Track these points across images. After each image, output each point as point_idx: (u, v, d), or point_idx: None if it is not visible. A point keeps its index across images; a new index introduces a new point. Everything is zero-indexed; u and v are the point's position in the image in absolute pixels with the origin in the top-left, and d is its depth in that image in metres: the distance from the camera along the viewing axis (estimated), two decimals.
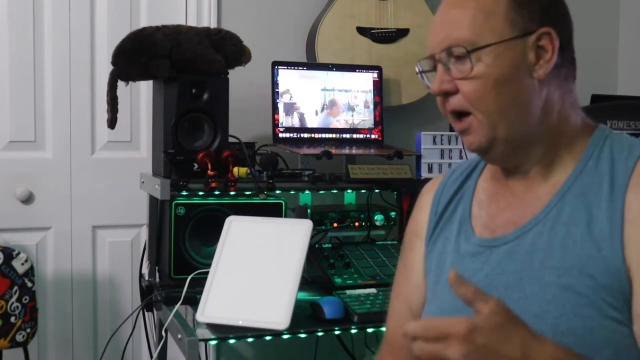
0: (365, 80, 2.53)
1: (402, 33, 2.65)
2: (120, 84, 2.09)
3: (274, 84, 2.39)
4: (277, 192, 2.12)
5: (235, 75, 2.21)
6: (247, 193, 2.09)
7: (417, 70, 1.16)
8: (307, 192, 2.27)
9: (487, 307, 0.91)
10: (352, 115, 2.50)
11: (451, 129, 2.57)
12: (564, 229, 1.04)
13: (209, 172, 2.02)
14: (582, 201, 1.05)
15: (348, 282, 2.02)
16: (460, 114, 1.09)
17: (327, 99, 2.47)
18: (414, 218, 1.30)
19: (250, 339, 1.81)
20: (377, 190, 2.29)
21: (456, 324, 0.89)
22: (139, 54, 2.04)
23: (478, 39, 1.05)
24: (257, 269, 1.78)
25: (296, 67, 2.44)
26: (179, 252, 2.02)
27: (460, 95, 1.07)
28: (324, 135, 2.45)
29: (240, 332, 1.72)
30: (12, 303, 2.09)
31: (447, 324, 0.89)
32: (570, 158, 1.09)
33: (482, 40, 1.05)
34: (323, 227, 2.20)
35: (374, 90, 2.54)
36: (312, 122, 2.44)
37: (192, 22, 2.56)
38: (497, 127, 1.06)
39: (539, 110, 1.08)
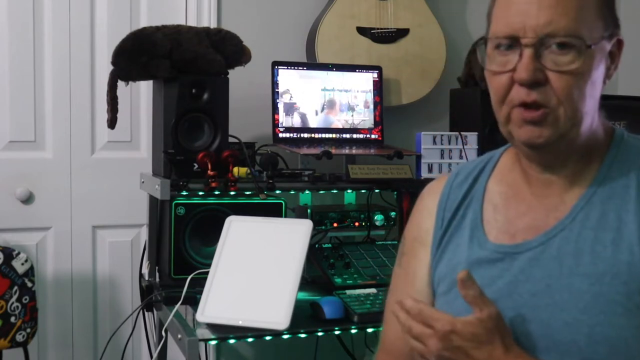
0: (365, 80, 2.53)
1: (402, 33, 2.64)
2: (120, 84, 2.09)
3: (274, 84, 2.39)
4: (277, 192, 2.12)
5: (235, 75, 2.21)
6: (247, 193, 2.09)
7: (483, 45, 1.05)
8: (307, 192, 2.27)
9: (479, 314, 0.99)
10: (352, 115, 2.50)
11: (451, 129, 2.59)
12: (592, 234, 1.01)
13: (209, 172, 2.02)
14: (609, 206, 1.02)
15: (348, 282, 2.02)
16: (533, 104, 1.01)
17: (327, 99, 2.47)
18: (415, 223, 1.24)
19: (250, 339, 1.81)
20: (377, 190, 2.29)
21: (440, 320, 0.99)
22: (139, 54, 2.04)
23: (585, 33, 0.99)
24: (257, 269, 1.78)
25: (296, 67, 2.44)
26: (179, 252, 2.02)
27: (548, 88, 0.99)
28: (324, 135, 2.45)
29: (240, 332, 1.72)
30: (12, 303, 2.09)
31: (435, 317, 1.00)
32: (594, 163, 1.06)
33: (589, 34, 0.99)
34: (323, 227, 2.20)
35: (374, 90, 2.54)
36: (312, 122, 2.44)
37: (192, 22, 2.56)
38: (573, 127, 1.01)
39: (596, 115, 1.06)
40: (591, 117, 1.04)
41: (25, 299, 2.10)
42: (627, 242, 0.99)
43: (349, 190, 2.36)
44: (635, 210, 1.00)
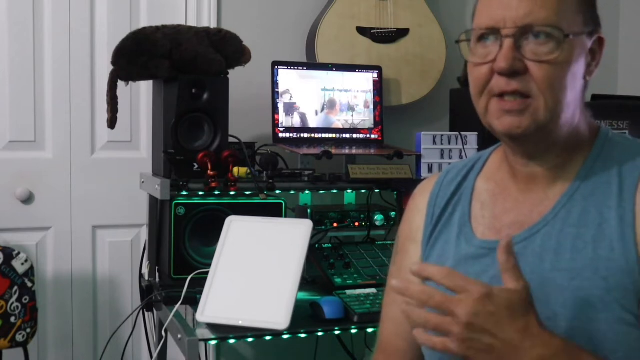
0: (365, 80, 2.53)
1: (402, 33, 2.65)
2: (120, 84, 2.09)
3: (274, 84, 2.39)
4: (277, 192, 2.12)
5: (235, 75, 2.21)
6: (247, 193, 2.09)
7: (463, 38, 1.09)
8: (307, 192, 2.27)
9: (513, 284, 0.92)
10: (352, 115, 2.50)
11: (451, 129, 2.59)
12: (574, 231, 1.03)
13: (209, 172, 2.02)
14: (591, 203, 1.04)
15: (348, 282, 2.02)
16: (512, 94, 1.03)
17: (327, 99, 2.47)
18: (407, 221, 1.26)
19: (250, 339, 1.81)
20: (377, 190, 2.29)
21: (476, 283, 0.91)
22: (139, 54, 2.04)
23: (565, 25, 1.01)
24: (257, 269, 1.78)
25: (296, 67, 2.44)
26: (179, 252, 2.02)
27: (528, 78, 1.01)
28: (324, 135, 2.45)
29: (240, 332, 1.72)
30: (12, 303, 2.09)
31: (468, 280, 0.91)
32: (578, 159, 1.08)
33: (568, 27, 1.02)
34: (323, 227, 2.20)
35: (374, 90, 2.54)
36: (312, 122, 2.44)
37: (192, 22, 2.56)
38: (552, 118, 1.02)
39: (578, 110, 1.08)
40: (572, 110, 1.06)
41: (25, 299, 2.10)
42: (608, 238, 1.00)
43: (349, 190, 2.36)
44: (617, 207, 1.02)
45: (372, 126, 2.52)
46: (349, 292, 1.95)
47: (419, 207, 1.23)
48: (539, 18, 1.01)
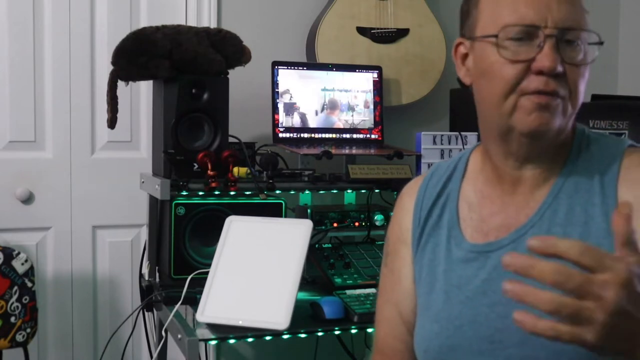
0: (365, 80, 2.53)
1: (402, 33, 2.65)
2: (120, 84, 2.09)
3: (274, 84, 2.39)
4: (277, 192, 2.12)
5: (235, 75, 2.21)
6: (247, 193, 2.09)
7: (494, 37, 1.05)
8: (307, 192, 2.27)
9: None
10: (352, 115, 2.50)
11: (451, 129, 2.59)
12: (561, 230, 1.03)
13: (209, 172, 2.02)
14: (576, 201, 1.04)
15: (348, 282, 2.02)
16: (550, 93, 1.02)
17: (327, 99, 2.47)
18: (396, 222, 1.26)
19: (250, 339, 1.81)
20: (377, 190, 2.29)
21: (619, 260, 0.77)
22: (139, 54, 2.04)
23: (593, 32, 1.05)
24: (257, 269, 1.78)
25: (296, 67, 2.44)
26: (179, 252, 2.02)
27: (562, 80, 1.02)
28: (324, 135, 2.45)
29: (240, 332, 1.72)
30: (12, 303, 2.09)
31: (608, 256, 0.77)
32: (562, 157, 1.09)
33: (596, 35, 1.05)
34: (323, 227, 2.20)
35: (374, 90, 2.54)
36: (312, 122, 2.44)
37: (192, 22, 2.56)
38: (571, 118, 1.06)
39: None
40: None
41: (25, 299, 2.10)
42: (595, 236, 1.01)
43: (349, 190, 2.36)
44: (601, 203, 1.02)
45: (372, 126, 2.52)
46: (349, 292, 1.95)
47: (406, 208, 1.23)
48: (578, 22, 1.03)
